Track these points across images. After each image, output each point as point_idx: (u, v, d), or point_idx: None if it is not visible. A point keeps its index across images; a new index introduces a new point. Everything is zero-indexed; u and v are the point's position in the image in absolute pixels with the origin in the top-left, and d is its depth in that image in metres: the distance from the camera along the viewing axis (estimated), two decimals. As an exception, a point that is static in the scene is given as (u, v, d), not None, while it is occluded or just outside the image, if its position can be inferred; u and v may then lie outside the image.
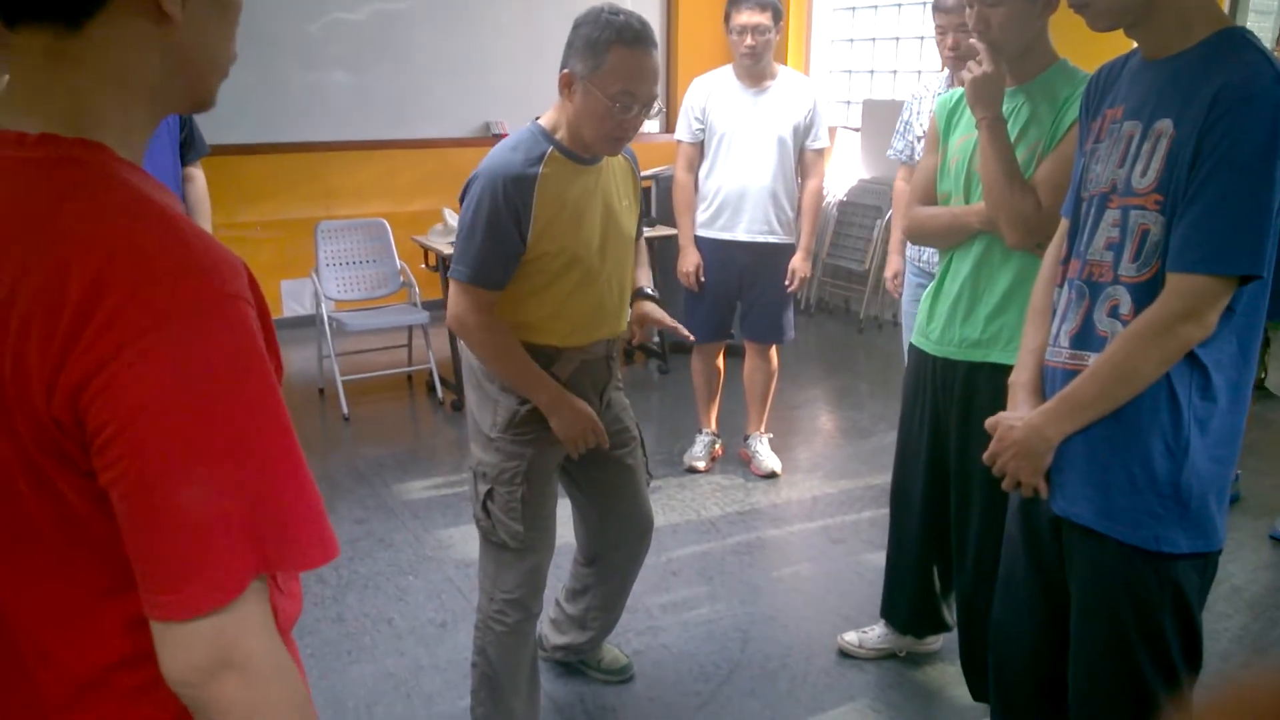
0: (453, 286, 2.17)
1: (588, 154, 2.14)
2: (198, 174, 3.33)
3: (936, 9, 3.29)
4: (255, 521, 0.80)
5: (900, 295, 3.69)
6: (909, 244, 3.55)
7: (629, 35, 1.99)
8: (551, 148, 2.10)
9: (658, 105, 2.11)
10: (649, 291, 2.46)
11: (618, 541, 2.55)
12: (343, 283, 5.11)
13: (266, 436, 0.82)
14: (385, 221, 5.29)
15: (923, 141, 3.39)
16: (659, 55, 2.06)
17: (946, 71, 3.43)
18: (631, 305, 2.44)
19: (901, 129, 3.61)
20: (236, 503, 0.79)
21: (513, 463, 2.22)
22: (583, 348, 2.25)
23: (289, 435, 0.84)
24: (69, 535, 0.85)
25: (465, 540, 3.52)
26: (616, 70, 2.00)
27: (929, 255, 3.40)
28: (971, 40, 2.18)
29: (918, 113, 3.53)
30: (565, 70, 2.06)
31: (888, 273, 3.84)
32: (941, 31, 3.28)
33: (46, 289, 0.76)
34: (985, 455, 1.85)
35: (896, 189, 3.74)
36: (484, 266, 2.10)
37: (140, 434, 0.77)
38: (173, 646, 0.81)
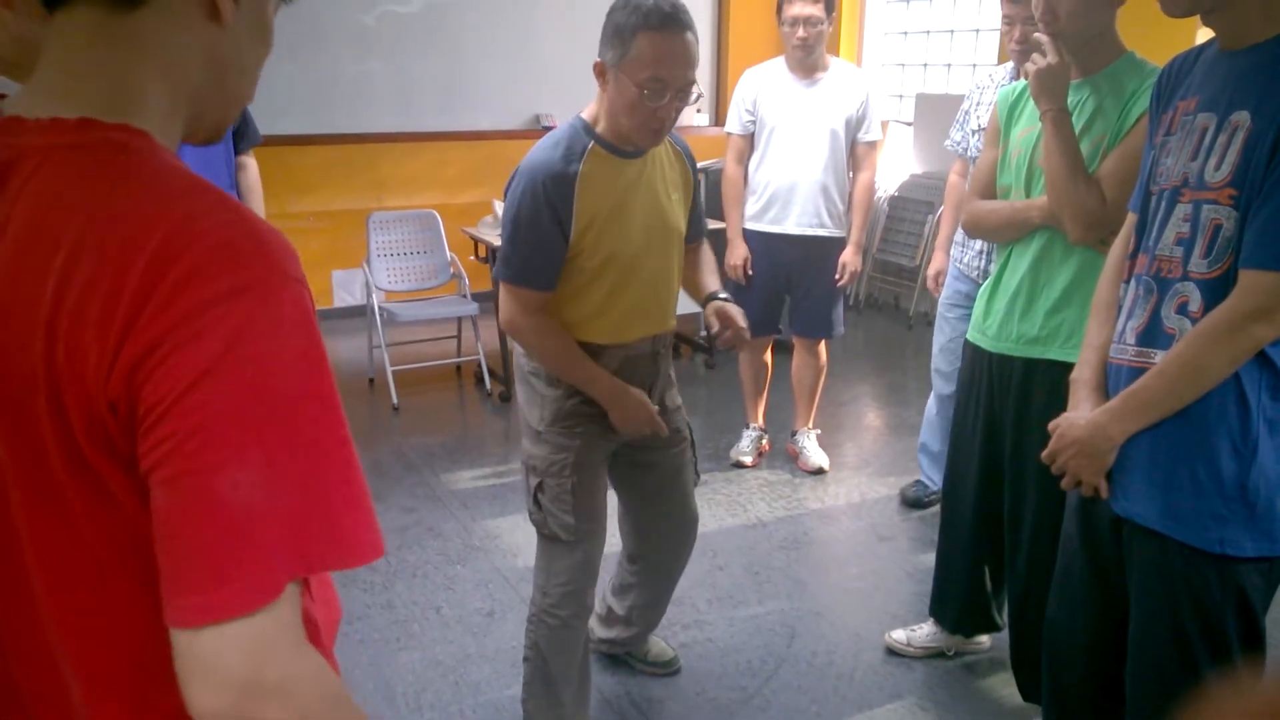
0: (502, 289, 2.15)
1: (629, 146, 2.10)
2: (250, 162, 3.37)
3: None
4: (302, 516, 0.75)
5: (939, 295, 3.63)
6: (954, 244, 3.49)
7: (655, 19, 1.93)
8: (592, 142, 2.07)
9: (697, 91, 2.03)
10: (721, 295, 2.36)
11: (661, 542, 2.54)
12: (393, 273, 5.15)
13: (322, 425, 0.77)
14: (436, 213, 5.32)
15: (979, 135, 3.34)
16: (694, 38, 1.98)
17: (1011, 64, 3.37)
18: (704, 307, 2.38)
19: (961, 120, 3.52)
20: (284, 494, 0.74)
21: (561, 455, 2.22)
22: (626, 344, 2.22)
23: (343, 426, 0.79)
24: (118, 537, 0.80)
25: (513, 530, 3.54)
26: (644, 56, 1.94)
27: (970, 258, 3.35)
28: (1036, 35, 2.14)
29: (978, 103, 3.44)
30: (598, 60, 2.02)
31: (930, 270, 3.75)
32: (1009, 23, 3.19)
33: (104, 272, 0.73)
34: (1044, 454, 1.82)
35: (950, 183, 3.65)
36: (529, 267, 2.09)
37: (191, 410, 0.72)
38: (200, 662, 0.72)
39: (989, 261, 3.27)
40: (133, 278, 0.72)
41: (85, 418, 0.75)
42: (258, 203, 3.38)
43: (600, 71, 2.03)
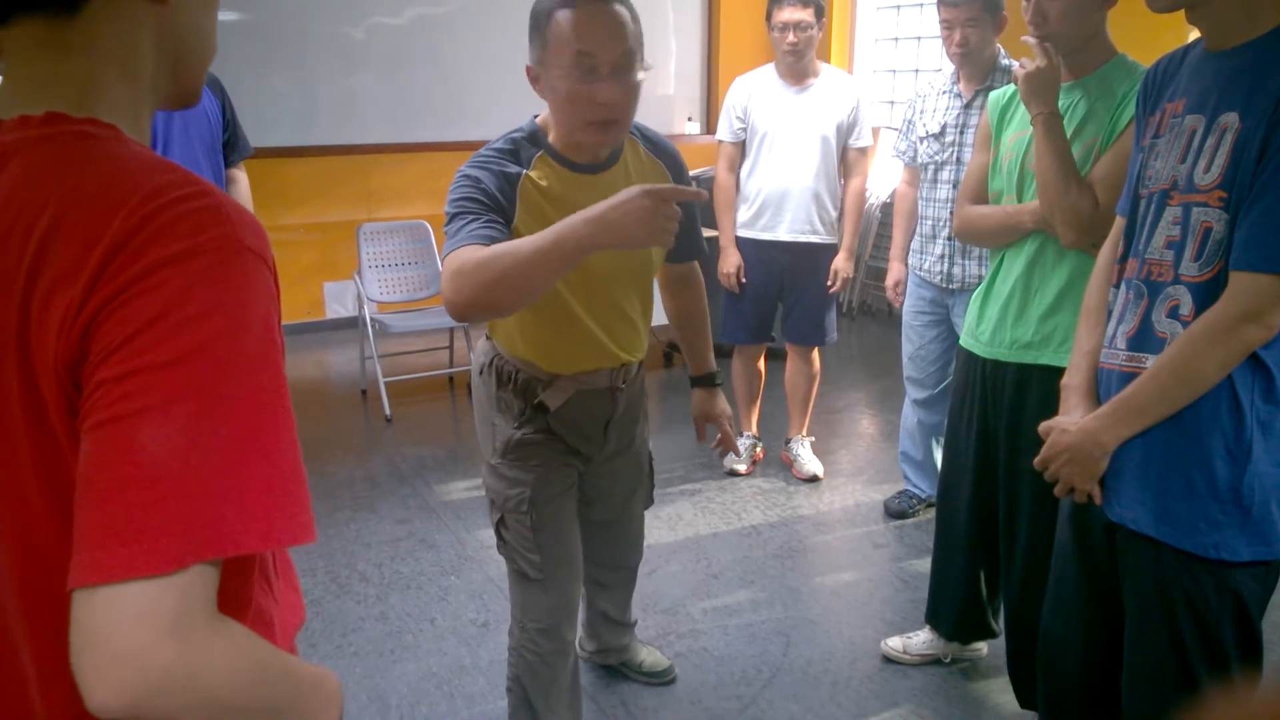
0: (444, 267, 1.69)
1: (583, 158, 1.88)
2: (241, 175, 3.36)
3: (943, 4, 3.20)
4: (217, 487, 0.71)
5: (901, 304, 3.63)
6: (911, 252, 3.51)
7: None
8: (541, 151, 1.87)
9: (644, 66, 1.77)
10: (718, 380, 2.18)
11: (598, 573, 2.52)
12: (385, 285, 5.14)
13: (256, 397, 0.75)
14: (427, 224, 5.31)
15: (925, 142, 3.36)
16: (625, 12, 1.74)
17: (952, 69, 3.37)
18: (693, 388, 2.30)
19: (905, 129, 3.53)
20: (202, 460, 0.70)
21: (516, 490, 2.06)
22: (577, 376, 2.02)
23: (281, 404, 0.77)
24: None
25: (506, 541, 3.52)
26: (563, 35, 1.71)
27: (930, 264, 3.36)
28: (1025, 39, 2.14)
29: (920, 111, 3.45)
30: (528, 65, 1.82)
31: (888, 281, 3.77)
32: (948, 28, 3.20)
33: (76, 242, 0.74)
34: (1037, 461, 1.81)
35: (899, 192, 3.69)
36: (480, 229, 1.71)
37: (125, 359, 0.71)
38: (92, 628, 0.67)
39: (952, 265, 3.29)
40: (101, 246, 0.73)
41: (53, 380, 0.75)
42: None
43: (533, 78, 1.82)
